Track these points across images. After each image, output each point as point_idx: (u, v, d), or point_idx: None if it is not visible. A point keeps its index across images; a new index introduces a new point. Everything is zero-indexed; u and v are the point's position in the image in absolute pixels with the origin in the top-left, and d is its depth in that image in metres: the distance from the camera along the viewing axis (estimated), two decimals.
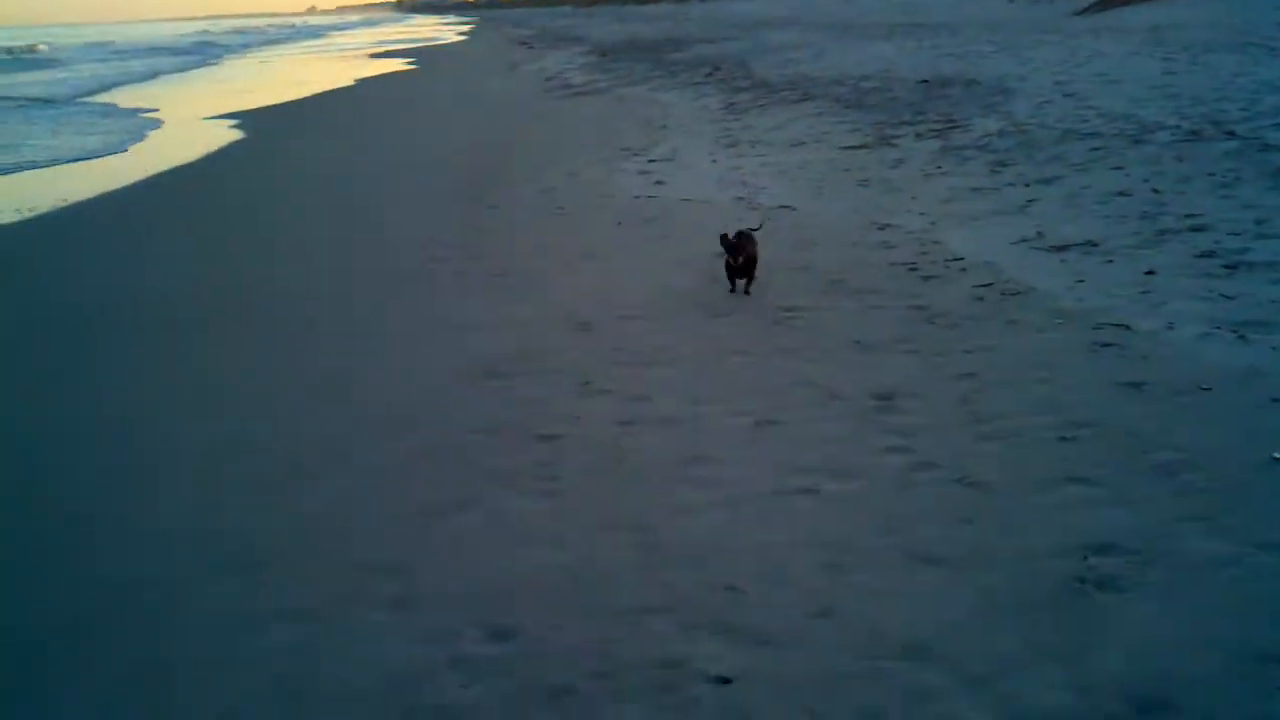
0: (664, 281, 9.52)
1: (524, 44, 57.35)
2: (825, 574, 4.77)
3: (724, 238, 8.63)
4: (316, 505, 5.84)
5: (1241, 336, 7.00)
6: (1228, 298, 7.75)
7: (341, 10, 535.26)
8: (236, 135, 22.99)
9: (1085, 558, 4.71)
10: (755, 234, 8.86)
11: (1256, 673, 3.98)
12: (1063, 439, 5.80)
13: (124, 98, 33.21)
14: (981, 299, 8.35)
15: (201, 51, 66.27)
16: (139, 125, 25.34)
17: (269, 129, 23.87)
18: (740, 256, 8.55)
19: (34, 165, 19.61)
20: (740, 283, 8.87)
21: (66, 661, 4.62)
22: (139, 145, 21.95)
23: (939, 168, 13.23)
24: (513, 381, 7.40)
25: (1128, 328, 7.39)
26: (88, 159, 20.16)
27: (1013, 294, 8.39)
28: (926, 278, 9.06)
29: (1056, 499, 5.22)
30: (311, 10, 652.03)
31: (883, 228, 10.85)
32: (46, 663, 4.62)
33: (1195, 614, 4.32)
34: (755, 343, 7.67)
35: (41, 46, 72.36)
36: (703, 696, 4.08)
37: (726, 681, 4.15)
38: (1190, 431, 5.75)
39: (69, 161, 19.88)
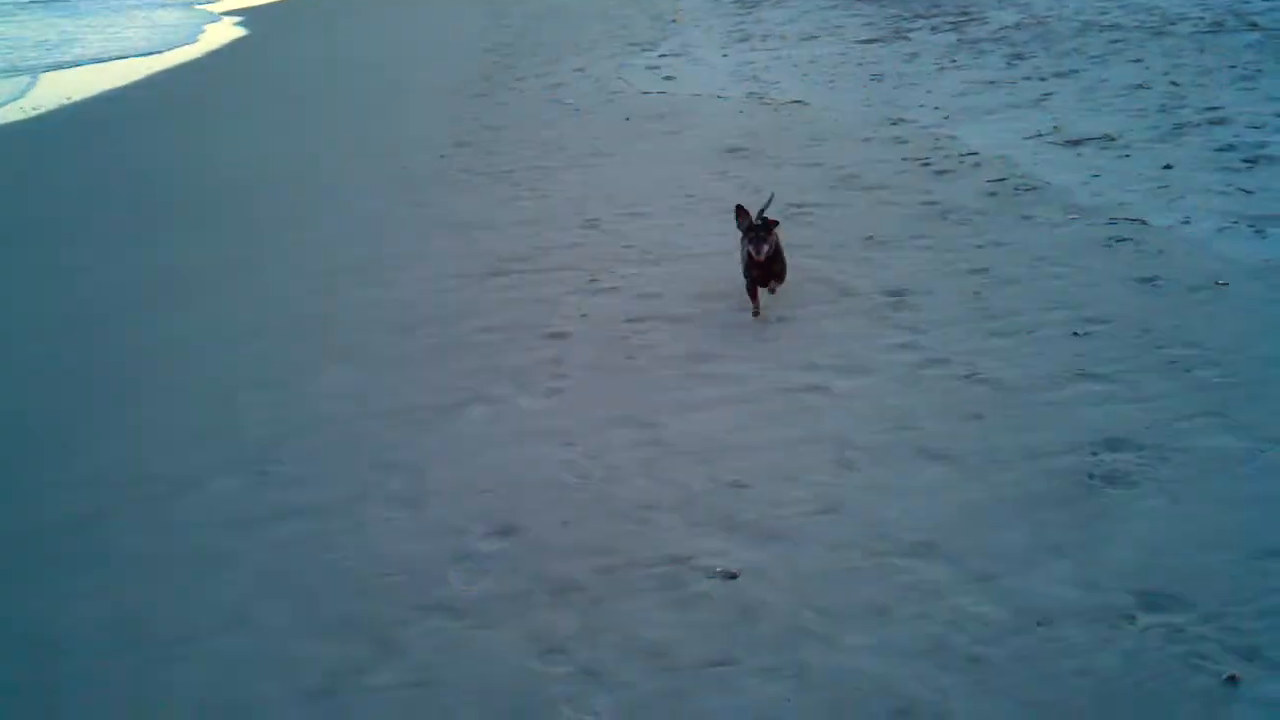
0: (673, 178, 9.37)
1: None
2: (833, 471, 4.72)
3: (741, 212, 6.26)
4: (324, 402, 5.80)
5: (1259, 231, 6.85)
6: (1246, 192, 7.58)
7: None
8: (243, 32, 22.70)
9: (1095, 454, 4.64)
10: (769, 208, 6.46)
11: (1268, 568, 3.93)
12: (1075, 335, 5.70)
13: None
14: (995, 194, 8.19)
15: None
16: (198, 19, 25.33)
17: (279, 25, 23.51)
18: (765, 246, 5.99)
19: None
20: (763, 288, 6.35)
21: (69, 557, 4.60)
22: (204, 37, 22.04)
23: (954, 61, 12.94)
24: (521, 279, 7.30)
25: (1143, 223, 7.24)
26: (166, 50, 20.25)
27: (1027, 189, 8.23)
28: (939, 173, 8.89)
29: (1067, 395, 5.14)
30: None
31: (895, 122, 10.64)
32: (49, 558, 4.61)
33: (1207, 510, 4.26)
34: None
35: None
36: (710, 592, 4.05)
37: (733, 577, 4.11)
38: (1205, 327, 5.64)
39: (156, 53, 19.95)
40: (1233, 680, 3.45)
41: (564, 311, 6.67)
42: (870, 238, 7.42)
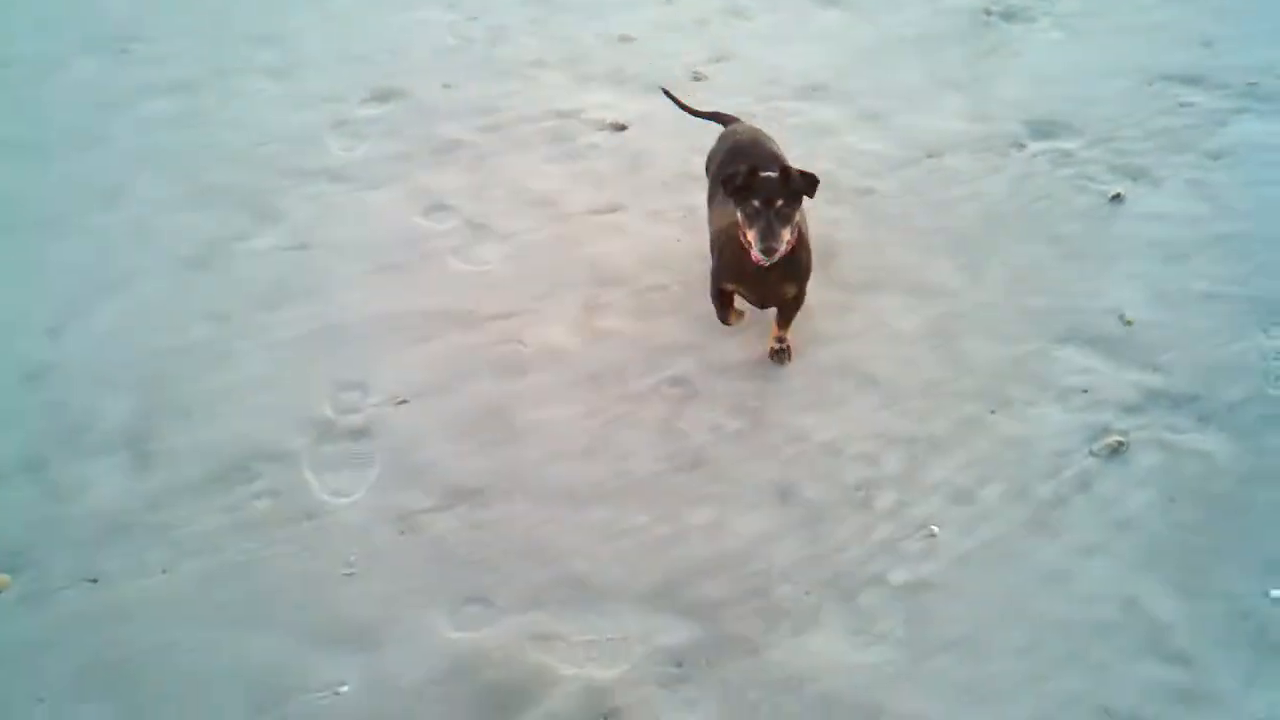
0: None
1: None
2: (724, 20, 4.44)
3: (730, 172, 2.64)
4: None
5: None
6: None
7: None
8: None
9: None
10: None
11: (1158, 92, 3.81)
12: None
13: None
14: None
15: None
16: None
17: None
18: (785, 232, 2.58)
19: None
20: (740, 316, 3.01)
21: None
22: None
23: None
24: None
25: None
26: None
27: None
28: None
29: None
30: None
31: None
32: None
33: (1103, 40, 4.09)
34: None
35: None
36: (599, 143, 3.85)
37: (623, 128, 3.91)
38: None
39: None
40: (1118, 198, 3.39)
41: None
42: None
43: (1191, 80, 3.87)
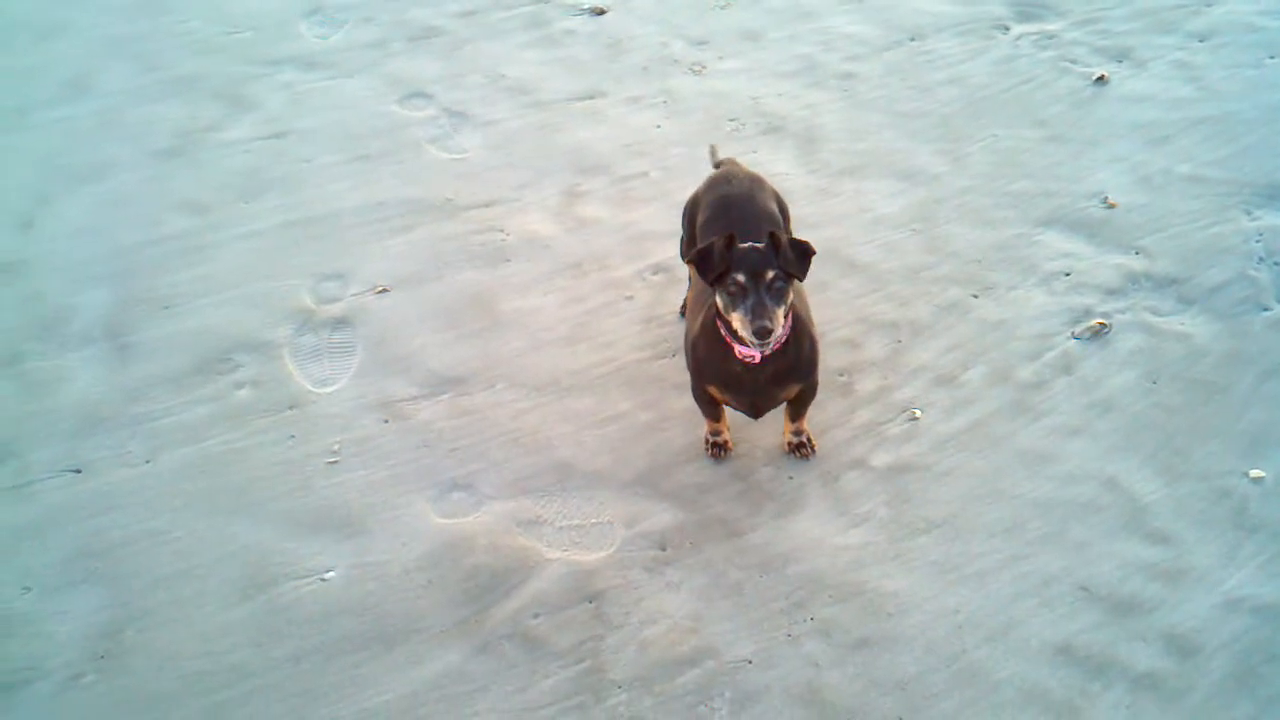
0: None
1: None
2: None
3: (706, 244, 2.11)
4: None
5: None
6: None
7: None
8: None
9: None
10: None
11: None
12: None
13: None
14: None
15: None
16: None
17: None
18: (780, 312, 2.04)
19: None
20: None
21: None
22: None
23: None
24: None
25: None
26: None
27: None
28: None
29: None
30: None
31: None
32: None
33: None
34: None
35: None
36: (577, 29, 3.74)
37: (601, 13, 3.80)
38: None
39: None
40: (1102, 80, 3.33)
41: None
42: None
43: None
